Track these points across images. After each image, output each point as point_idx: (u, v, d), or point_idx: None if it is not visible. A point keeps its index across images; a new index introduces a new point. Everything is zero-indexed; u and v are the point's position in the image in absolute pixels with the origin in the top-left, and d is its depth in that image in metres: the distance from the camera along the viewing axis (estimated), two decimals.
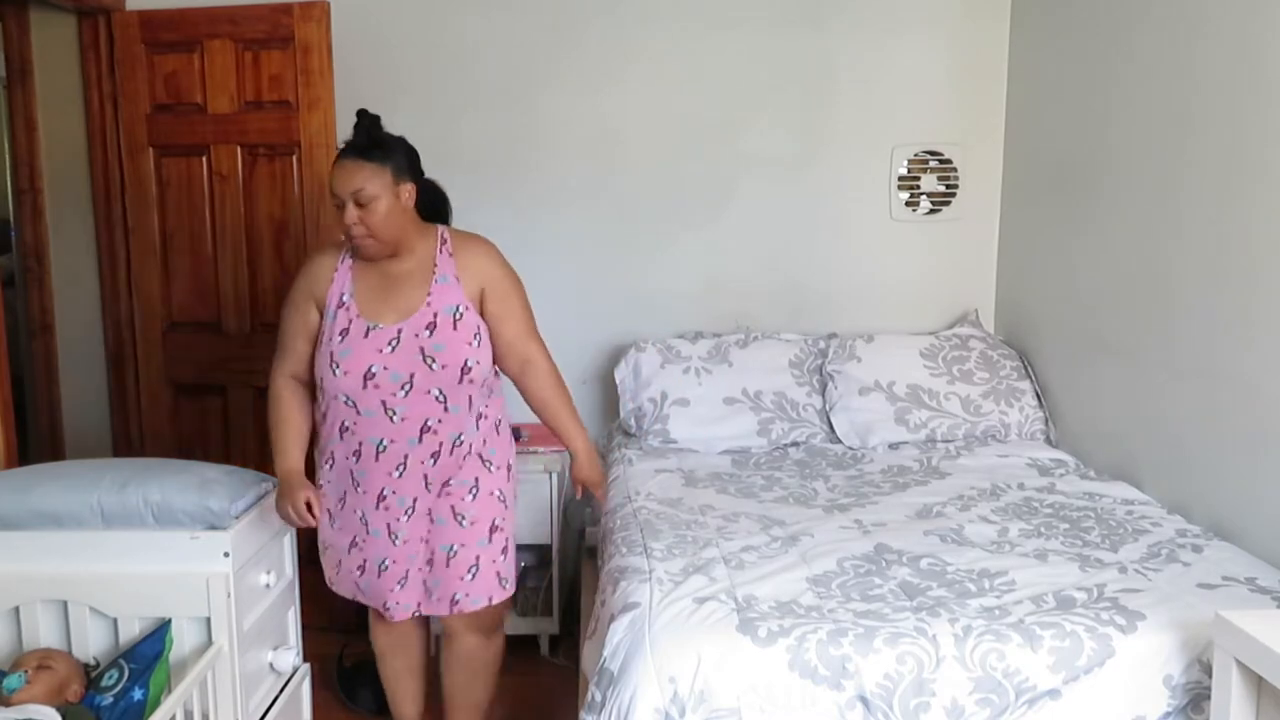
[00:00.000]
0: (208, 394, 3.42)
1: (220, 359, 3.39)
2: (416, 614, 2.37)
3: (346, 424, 2.23)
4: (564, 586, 3.39)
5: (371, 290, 2.23)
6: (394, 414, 2.19)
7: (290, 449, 2.29)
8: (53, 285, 3.57)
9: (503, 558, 2.34)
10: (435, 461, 2.24)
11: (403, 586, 2.31)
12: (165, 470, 2.28)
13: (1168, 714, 1.80)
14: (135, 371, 3.47)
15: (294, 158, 3.25)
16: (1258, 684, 1.55)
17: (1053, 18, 3.19)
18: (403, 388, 2.18)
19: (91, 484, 2.20)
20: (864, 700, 1.78)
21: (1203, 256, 2.42)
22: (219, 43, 3.24)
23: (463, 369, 2.19)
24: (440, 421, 2.22)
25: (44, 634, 2.21)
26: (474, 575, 2.29)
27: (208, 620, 2.18)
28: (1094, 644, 1.81)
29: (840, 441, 3.17)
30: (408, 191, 2.20)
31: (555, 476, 3.22)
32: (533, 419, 3.55)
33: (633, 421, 3.24)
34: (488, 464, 2.31)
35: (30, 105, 3.47)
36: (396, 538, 2.27)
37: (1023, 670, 1.79)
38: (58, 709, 2.02)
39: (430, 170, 3.50)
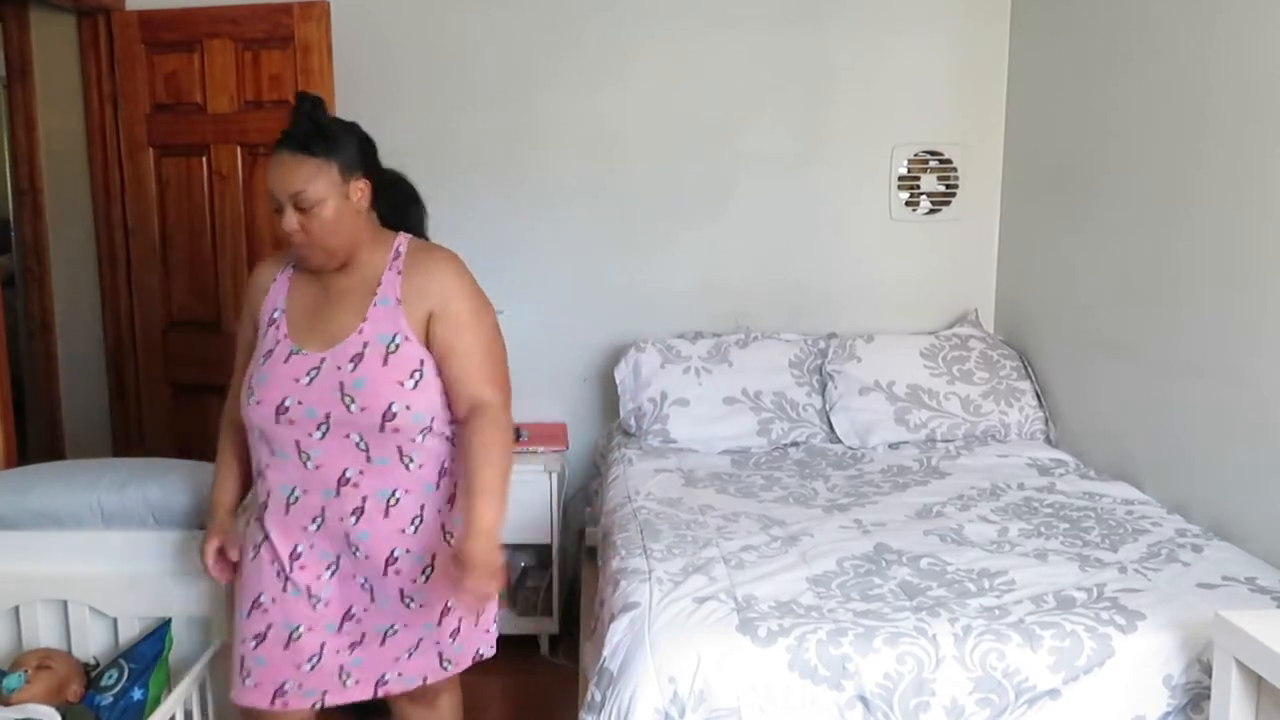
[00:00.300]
0: (207, 393, 3.41)
1: (220, 358, 3.38)
2: (318, 706, 1.92)
3: (261, 465, 1.89)
4: (564, 586, 3.39)
5: (305, 308, 1.89)
6: (308, 458, 1.83)
7: (224, 480, 2.01)
8: (53, 285, 3.57)
9: (450, 641, 1.94)
10: (358, 520, 1.84)
11: (313, 666, 1.88)
12: (165, 470, 2.28)
13: (1167, 714, 1.80)
14: (135, 371, 3.47)
15: None
16: (1257, 684, 1.55)
17: (1053, 17, 3.19)
18: (319, 427, 1.81)
19: (91, 484, 2.20)
20: (864, 700, 1.78)
21: (1203, 256, 2.42)
22: (219, 42, 3.24)
23: (384, 415, 1.80)
24: (362, 474, 1.83)
25: (44, 634, 2.21)
26: (411, 655, 1.92)
27: (208, 620, 2.18)
28: (1094, 644, 1.81)
29: (840, 441, 3.17)
30: (360, 189, 1.84)
31: (555, 476, 3.22)
32: (531, 418, 3.60)
33: (633, 421, 3.24)
34: (449, 535, 1.90)
35: (30, 104, 3.47)
36: (318, 601, 1.88)
37: (1022, 670, 1.79)
38: (57, 709, 2.03)
39: (430, 169, 3.53)
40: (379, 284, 1.87)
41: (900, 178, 3.52)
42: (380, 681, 1.92)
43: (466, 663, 1.99)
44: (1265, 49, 2.20)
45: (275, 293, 1.93)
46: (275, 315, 1.90)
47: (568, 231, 3.54)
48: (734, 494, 2.68)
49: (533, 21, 3.45)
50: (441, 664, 1.96)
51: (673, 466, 2.95)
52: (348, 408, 1.80)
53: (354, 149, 1.85)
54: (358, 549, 1.86)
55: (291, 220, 1.80)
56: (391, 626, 1.91)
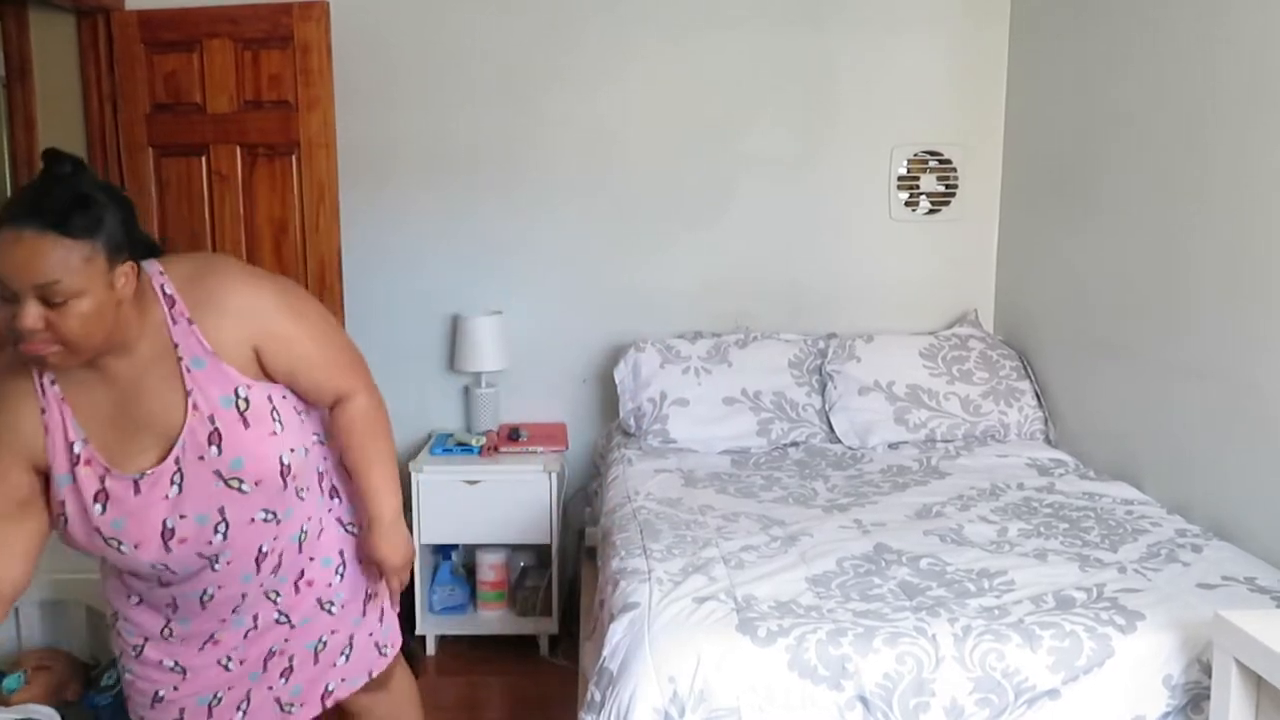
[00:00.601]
0: None
1: None
2: None
3: (143, 592, 1.69)
4: (563, 586, 3.39)
5: (105, 420, 1.52)
6: (216, 561, 1.63)
7: None
8: None
9: (380, 625, 1.87)
10: (277, 573, 1.72)
11: (244, 714, 1.78)
12: None
13: (1167, 714, 1.80)
14: None
15: (293, 158, 3.25)
16: (1257, 684, 1.55)
17: (1053, 18, 3.19)
18: (216, 528, 1.59)
19: None
20: (863, 700, 1.78)
21: (1202, 256, 2.42)
22: (218, 42, 3.24)
23: (282, 473, 1.61)
24: (276, 539, 1.68)
25: (44, 634, 2.21)
26: (348, 657, 1.82)
27: None
28: (1093, 644, 1.81)
29: (840, 441, 3.17)
30: (125, 275, 1.45)
31: (555, 477, 3.22)
32: (531, 418, 3.60)
33: (632, 421, 3.24)
34: (349, 527, 1.81)
35: (30, 105, 3.47)
36: (230, 662, 1.75)
37: (1022, 670, 1.79)
38: (57, 708, 2.03)
39: (429, 169, 3.55)
40: (175, 346, 1.52)
41: (900, 178, 3.52)
42: (326, 694, 1.83)
43: (399, 640, 1.93)
44: (1267, 49, 2.20)
45: (57, 421, 1.50)
46: (77, 449, 1.51)
47: (567, 231, 3.54)
48: (734, 494, 2.68)
49: (533, 22, 3.45)
50: (380, 651, 1.89)
51: (672, 466, 2.95)
52: (240, 491, 1.57)
53: (119, 224, 1.43)
54: (277, 594, 1.74)
55: (34, 316, 1.35)
56: (320, 640, 1.80)
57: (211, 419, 1.53)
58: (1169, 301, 2.56)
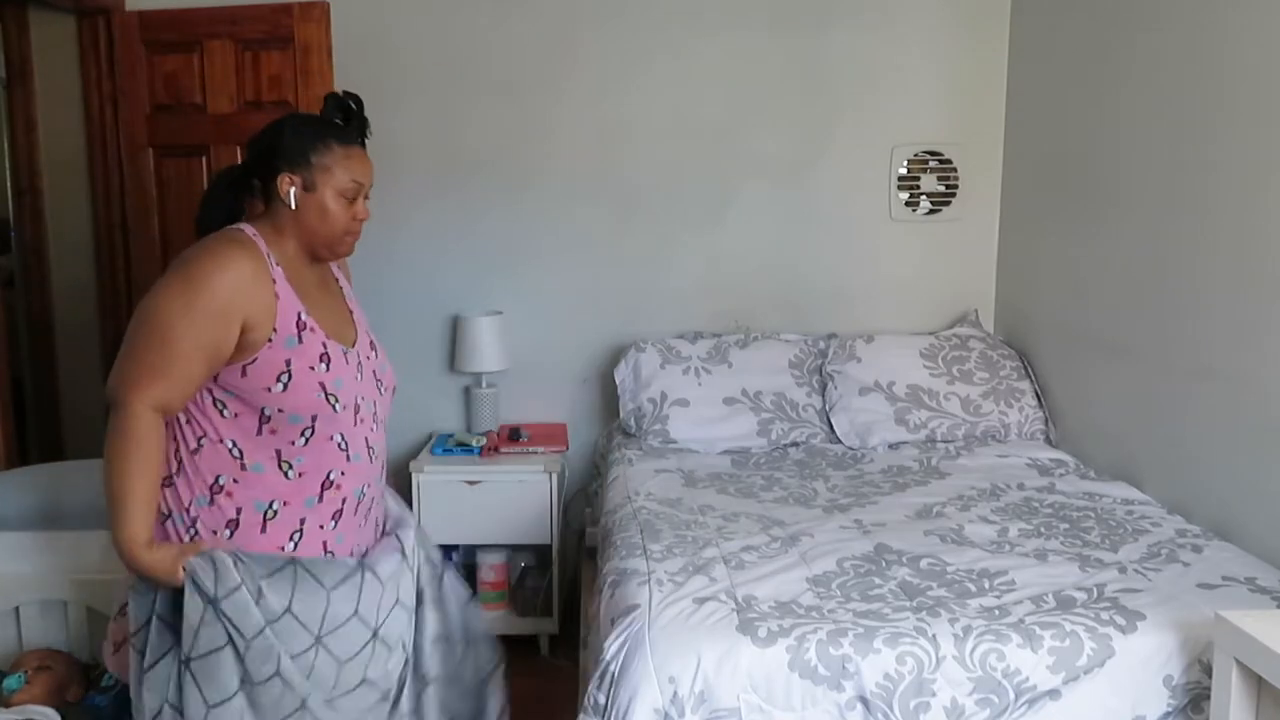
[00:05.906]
0: None
1: None
2: None
3: (333, 477, 1.76)
4: (564, 587, 3.39)
5: (317, 305, 1.80)
6: (373, 452, 1.84)
7: (149, 511, 1.68)
8: (53, 285, 3.57)
9: None
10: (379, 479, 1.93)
11: None
12: None
13: (1167, 714, 1.80)
14: None
15: None
16: (1257, 684, 1.55)
17: (1053, 17, 3.19)
18: (374, 419, 1.85)
19: (91, 484, 2.20)
20: (864, 700, 1.78)
21: (1202, 255, 2.42)
22: (219, 43, 3.25)
23: (393, 390, 1.95)
24: (384, 452, 1.92)
25: (44, 634, 2.21)
26: None
27: None
28: (1094, 644, 1.81)
29: (840, 442, 3.17)
30: None
31: (555, 477, 3.22)
32: (531, 418, 3.60)
33: (632, 422, 3.24)
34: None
35: (30, 105, 3.48)
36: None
37: (1023, 670, 1.79)
38: (57, 710, 2.03)
39: (430, 170, 3.55)
40: (332, 270, 1.94)
41: (900, 178, 3.52)
42: None
43: None
44: (1267, 46, 2.20)
45: (286, 292, 1.73)
46: (303, 317, 1.73)
47: (567, 232, 3.54)
48: (734, 494, 2.68)
49: (533, 23, 3.45)
50: None
51: (673, 467, 2.95)
52: (380, 392, 1.87)
53: None
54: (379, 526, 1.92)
55: (366, 207, 1.83)
56: None
57: (367, 331, 1.90)
58: (1170, 301, 2.56)
